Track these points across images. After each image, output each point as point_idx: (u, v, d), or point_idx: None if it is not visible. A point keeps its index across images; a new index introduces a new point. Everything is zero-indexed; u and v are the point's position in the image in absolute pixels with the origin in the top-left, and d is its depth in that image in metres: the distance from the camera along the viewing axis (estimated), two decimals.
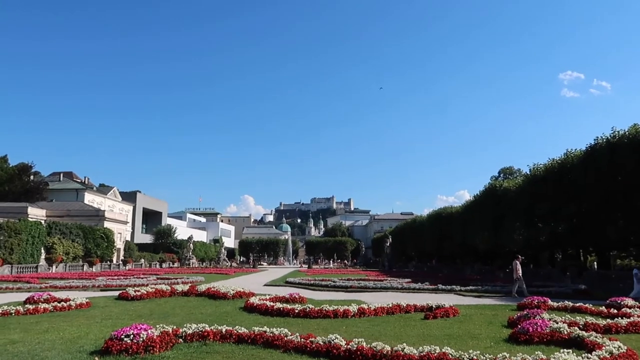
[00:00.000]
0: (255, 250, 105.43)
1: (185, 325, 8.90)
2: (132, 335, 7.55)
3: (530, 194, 33.21)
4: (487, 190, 41.67)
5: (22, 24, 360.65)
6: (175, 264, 69.60)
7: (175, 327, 8.73)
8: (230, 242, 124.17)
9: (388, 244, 71.57)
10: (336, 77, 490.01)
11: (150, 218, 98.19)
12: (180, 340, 8.28)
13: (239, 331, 8.58)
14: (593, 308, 12.97)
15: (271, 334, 8.30)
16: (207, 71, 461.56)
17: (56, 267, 44.02)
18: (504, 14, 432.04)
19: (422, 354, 6.70)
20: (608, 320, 10.46)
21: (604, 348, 6.99)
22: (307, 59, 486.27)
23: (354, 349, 7.19)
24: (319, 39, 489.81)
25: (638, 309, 12.43)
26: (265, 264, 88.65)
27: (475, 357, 6.43)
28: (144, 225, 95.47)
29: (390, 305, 13.10)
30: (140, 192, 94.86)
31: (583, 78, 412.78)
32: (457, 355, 6.53)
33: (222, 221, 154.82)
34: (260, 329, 8.61)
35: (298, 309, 12.37)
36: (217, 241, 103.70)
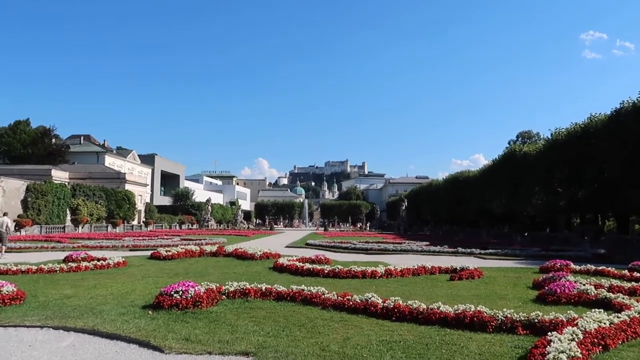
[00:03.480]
0: (271, 213, 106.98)
1: (227, 283, 9.40)
2: (181, 292, 8.04)
3: (550, 158, 33.00)
4: (507, 155, 41.39)
5: None
6: (194, 226, 71.06)
7: (218, 284, 9.22)
8: (246, 205, 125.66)
9: (404, 207, 71.89)
10: (351, 41, 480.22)
11: (168, 181, 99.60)
12: (224, 297, 8.78)
13: (278, 289, 9.05)
14: (616, 271, 13.21)
15: (309, 292, 8.74)
16: (221, 35, 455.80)
17: (82, 227, 45.40)
18: None
19: (457, 312, 7.06)
20: (632, 283, 10.74)
21: (633, 308, 7.28)
22: (320, 24, 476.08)
23: (391, 306, 7.58)
24: (325, 4, 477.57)
25: None
26: (282, 226, 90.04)
27: (509, 315, 6.76)
28: (162, 188, 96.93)
29: (416, 267, 13.52)
30: (157, 155, 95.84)
31: (606, 38, 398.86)
32: (492, 314, 6.86)
33: (237, 184, 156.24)
34: (298, 287, 9.06)
35: (327, 269, 12.83)
36: (233, 204, 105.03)
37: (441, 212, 62.07)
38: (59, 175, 55.99)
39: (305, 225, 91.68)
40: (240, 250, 18.68)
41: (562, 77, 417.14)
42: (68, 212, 46.10)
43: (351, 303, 8.02)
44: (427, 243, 28.36)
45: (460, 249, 22.74)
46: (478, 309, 7.07)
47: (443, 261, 16.54)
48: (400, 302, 7.69)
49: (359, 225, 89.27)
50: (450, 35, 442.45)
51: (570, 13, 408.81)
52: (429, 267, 13.67)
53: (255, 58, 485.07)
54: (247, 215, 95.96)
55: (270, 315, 7.57)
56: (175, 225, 66.59)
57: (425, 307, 7.40)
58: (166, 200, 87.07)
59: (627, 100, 26.93)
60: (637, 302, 7.94)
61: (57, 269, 12.86)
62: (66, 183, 51.74)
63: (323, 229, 73.41)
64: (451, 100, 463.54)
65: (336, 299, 8.31)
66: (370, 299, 7.98)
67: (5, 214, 21.06)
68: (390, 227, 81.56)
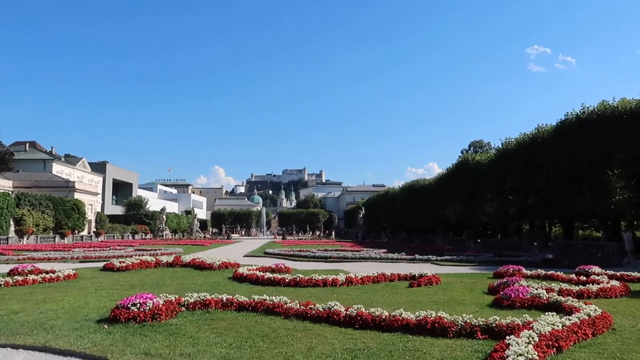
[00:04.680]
0: (227, 222, 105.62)
1: (186, 294, 9.18)
2: (138, 304, 7.78)
3: (501, 167, 34.30)
4: (460, 163, 42.73)
5: None
6: (148, 236, 69.11)
7: (177, 296, 8.99)
8: (202, 214, 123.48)
9: (361, 215, 72.66)
10: (306, 48, 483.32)
11: (121, 189, 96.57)
12: (183, 308, 8.57)
13: (240, 299, 8.92)
14: (564, 275, 13.83)
15: (271, 302, 8.65)
16: (174, 39, 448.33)
17: (27, 239, 43.18)
18: None
19: (419, 319, 7.17)
20: (580, 286, 11.24)
21: (582, 311, 7.62)
22: (277, 28, 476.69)
23: (354, 314, 7.61)
24: (287, 6, 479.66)
25: (605, 276, 13.33)
26: (239, 235, 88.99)
27: (468, 320, 6.94)
28: (114, 197, 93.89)
29: (376, 275, 13.66)
30: (109, 162, 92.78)
31: (549, 52, 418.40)
32: (452, 319, 7.02)
33: (193, 192, 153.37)
34: (260, 297, 8.96)
35: (288, 278, 12.77)
36: (189, 213, 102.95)
37: (398, 219, 63.12)
38: (2, 183, 53.27)
39: (263, 234, 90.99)
40: (198, 260, 18.29)
41: (510, 89, 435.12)
42: (12, 222, 43.79)
43: (314, 312, 8.00)
44: (385, 250, 28.75)
45: (417, 256, 23.17)
46: (439, 314, 7.21)
47: (401, 268, 16.78)
48: (363, 309, 7.74)
49: (317, 234, 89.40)
50: (403, 42, 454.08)
51: (516, 27, 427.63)
52: (389, 274, 13.84)
53: (209, 62, 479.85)
54: (203, 225, 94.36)
55: (232, 327, 7.44)
56: (128, 235, 64.50)
57: (387, 314, 7.48)
58: (118, 210, 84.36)
59: (571, 112, 28.42)
60: (586, 304, 8.31)
61: (2, 282, 12.17)
62: (10, 192, 49.17)
63: (281, 237, 73.07)
64: (405, 108, 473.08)
65: (299, 308, 8.27)
66: (333, 307, 7.99)
67: None
68: (347, 234, 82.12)
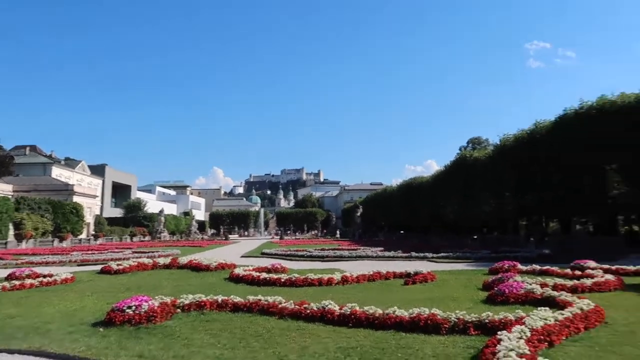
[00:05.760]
0: (225, 223, 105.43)
1: (181, 295, 9.21)
2: (133, 307, 7.82)
3: (499, 164, 34.33)
4: (458, 160, 42.75)
5: None
6: (147, 238, 69.05)
7: (172, 298, 9.02)
8: (200, 215, 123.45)
9: (359, 214, 72.63)
10: (305, 47, 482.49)
11: (120, 192, 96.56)
12: (179, 310, 8.60)
13: (235, 300, 8.95)
14: (559, 270, 13.87)
15: (266, 302, 8.69)
16: (170, 42, 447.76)
17: (26, 242, 43.19)
18: None
19: (412, 316, 7.22)
20: (574, 281, 11.30)
21: (575, 305, 7.68)
22: (275, 28, 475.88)
23: (348, 313, 7.66)
24: (284, 9, 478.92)
25: (600, 270, 13.40)
26: (237, 235, 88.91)
27: (461, 316, 6.98)
28: (114, 199, 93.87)
29: (371, 273, 13.68)
30: (108, 165, 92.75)
31: (549, 47, 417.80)
32: (445, 316, 7.06)
33: (191, 194, 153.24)
34: (255, 297, 9.00)
35: (284, 278, 12.81)
36: (187, 214, 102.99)
37: (395, 217, 63.19)
38: (2, 187, 53.25)
39: (261, 234, 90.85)
40: (194, 261, 18.32)
41: (509, 85, 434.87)
42: (11, 226, 43.78)
43: (308, 311, 8.04)
44: (382, 249, 28.76)
45: (413, 254, 23.19)
46: (432, 311, 7.26)
47: (397, 266, 16.81)
48: (357, 308, 7.78)
49: (315, 233, 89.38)
50: (403, 42, 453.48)
51: (516, 23, 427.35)
52: (384, 272, 13.88)
53: (206, 64, 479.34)
54: (201, 226, 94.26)
55: (226, 327, 7.47)
56: (127, 238, 64.47)
57: (381, 312, 7.53)
58: (117, 212, 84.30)
59: (570, 108, 28.41)
60: (579, 299, 8.37)
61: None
62: (10, 196, 49.14)
63: (279, 237, 72.98)
64: (404, 106, 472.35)
65: (293, 307, 8.31)
66: (327, 306, 8.03)
67: None
68: (345, 233, 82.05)
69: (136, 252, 28.21)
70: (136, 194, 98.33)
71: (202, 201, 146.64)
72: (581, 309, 7.42)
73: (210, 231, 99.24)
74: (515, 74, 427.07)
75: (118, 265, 17.28)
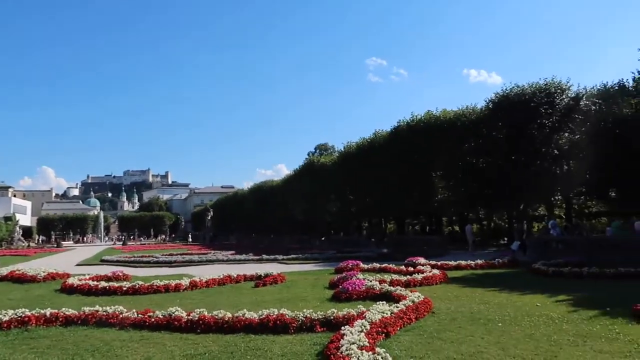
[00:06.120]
0: (58, 228, 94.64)
1: (0, 312, 8.00)
2: None
3: (343, 169, 36.58)
4: (306, 165, 44.48)
5: None
6: None
7: None
8: (26, 220, 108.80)
9: (209, 217, 71.15)
10: (155, 50, 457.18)
11: None
12: None
13: (67, 313, 8.08)
14: (395, 267, 15.24)
15: (105, 313, 8.00)
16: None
17: None
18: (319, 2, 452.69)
19: (261, 317, 7.26)
20: (408, 276, 12.50)
21: (407, 298, 8.49)
22: (121, 31, 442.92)
23: (196, 318, 7.41)
24: (133, 10, 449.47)
25: (428, 266, 15.03)
26: (72, 242, 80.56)
27: (308, 315, 7.23)
28: None
29: (222, 277, 13.50)
30: None
31: (385, 64, 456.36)
32: (293, 315, 7.25)
33: (15, 196, 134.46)
34: (92, 308, 8.23)
35: (126, 286, 11.95)
36: (9, 219, 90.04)
37: (247, 220, 63.28)
38: None
39: (101, 240, 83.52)
40: (17, 272, 16.14)
41: (352, 97, 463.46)
42: None
43: (153, 320, 7.60)
44: (233, 252, 28.58)
45: (264, 256, 23.45)
46: (281, 312, 7.40)
47: (249, 269, 16.83)
48: (206, 313, 7.58)
49: (162, 238, 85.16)
50: (257, 44, 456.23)
51: (357, 40, 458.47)
52: (235, 275, 13.79)
53: (31, 48, 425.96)
54: (27, 232, 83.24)
55: (56, 344, 6.69)
56: None
57: (230, 315, 7.44)
58: None
59: (403, 120, 31.60)
60: (411, 292, 9.28)
61: None
62: None
63: (122, 243, 67.92)
64: (254, 110, 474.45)
65: (136, 317, 7.77)
66: (174, 313, 7.68)
67: None
68: (196, 237, 79.65)
69: None
70: None
71: (28, 204, 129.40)
72: (413, 302, 8.23)
73: (39, 238, 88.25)
74: (358, 85, 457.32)
75: None
